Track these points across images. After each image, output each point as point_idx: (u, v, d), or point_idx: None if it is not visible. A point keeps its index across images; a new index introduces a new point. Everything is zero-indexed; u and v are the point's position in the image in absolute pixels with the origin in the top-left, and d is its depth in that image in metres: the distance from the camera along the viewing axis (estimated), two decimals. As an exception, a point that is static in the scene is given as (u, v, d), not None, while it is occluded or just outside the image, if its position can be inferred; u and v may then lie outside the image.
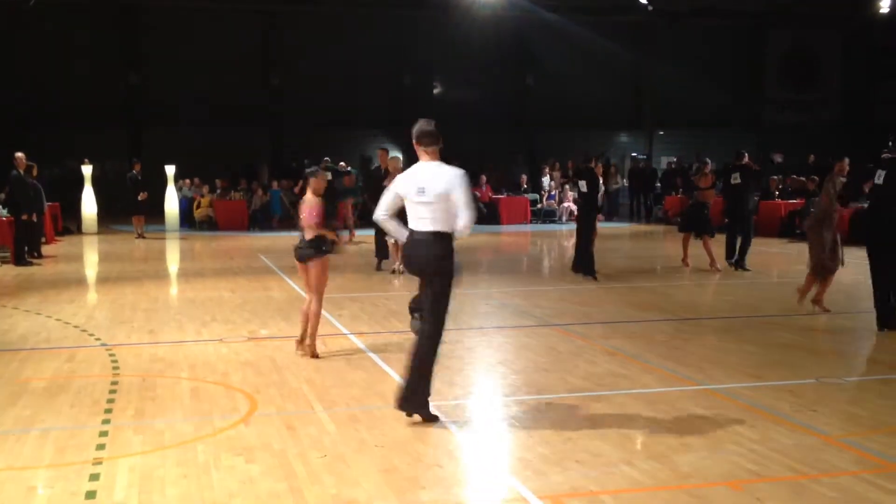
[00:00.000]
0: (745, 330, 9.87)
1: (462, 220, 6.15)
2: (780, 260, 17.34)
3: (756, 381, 7.52)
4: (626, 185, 30.32)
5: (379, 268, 14.97)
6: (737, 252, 15.01)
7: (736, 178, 15.02)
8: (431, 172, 6.20)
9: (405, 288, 13.11)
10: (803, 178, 22.91)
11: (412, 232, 6.27)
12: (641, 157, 34.71)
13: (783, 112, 37.17)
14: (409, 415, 6.31)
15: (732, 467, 5.39)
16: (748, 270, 14.74)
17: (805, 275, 11.12)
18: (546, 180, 28.16)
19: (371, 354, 8.49)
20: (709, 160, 15.98)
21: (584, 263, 14.26)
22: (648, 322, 10.35)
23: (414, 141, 6.38)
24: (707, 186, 15.37)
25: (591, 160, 14.55)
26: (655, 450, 5.70)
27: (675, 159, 31.70)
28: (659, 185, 29.62)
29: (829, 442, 5.87)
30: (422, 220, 6.19)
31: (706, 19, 34.02)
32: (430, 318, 6.34)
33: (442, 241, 6.19)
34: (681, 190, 27.30)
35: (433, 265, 6.21)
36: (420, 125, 6.37)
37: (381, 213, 6.45)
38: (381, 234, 15.07)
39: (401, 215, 6.52)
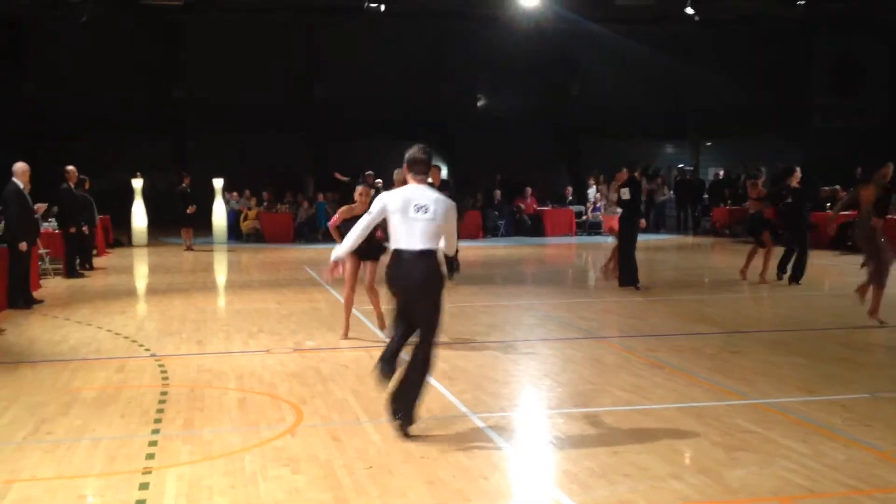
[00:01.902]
0: (795, 343, 9.71)
1: (452, 244, 6.55)
2: (831, 272, 17.05)
3: (808, 395, 7.38)
4: (672, 196, 30.05)
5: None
6: (790, 267, 14.73)
7: (787, 200, 14.80)
8: (431, 194, 6.35)
9: (451, 299, 13.12)
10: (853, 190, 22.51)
11: (402, 251, 6.25)
12: (688, 167, 34.42)
13: (830, 119, 36.59)
14: (399, 417, 6.26)
15: (783, 483, 5.29)
16: (799, 284, 14.50)
17: (863, 283, 10.92)
18: (591, 192, 28.02)
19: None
20: (762, 170, 15.75)
21: (626, 273, 14.17)
22: (696, 335, 10.23)
23: (405, 165, 6.47)
24: (757, 197, 15.17)
25: (636, 169, 14.53)
26: (704, 464, 5.62)
27: (722, 170, 31.37)
28: (706, 196, 29.32)
29: (883, 457, 5.74)
30: (414, 238, 6.22)
31: (751, 27, 33.67)
32: (428, 333, 6.32)
33: (434, 257, 6.30)
34: (729, 201, 27.01)
35: (431, 280, 6.27)
36: (413, 152, 6.44)
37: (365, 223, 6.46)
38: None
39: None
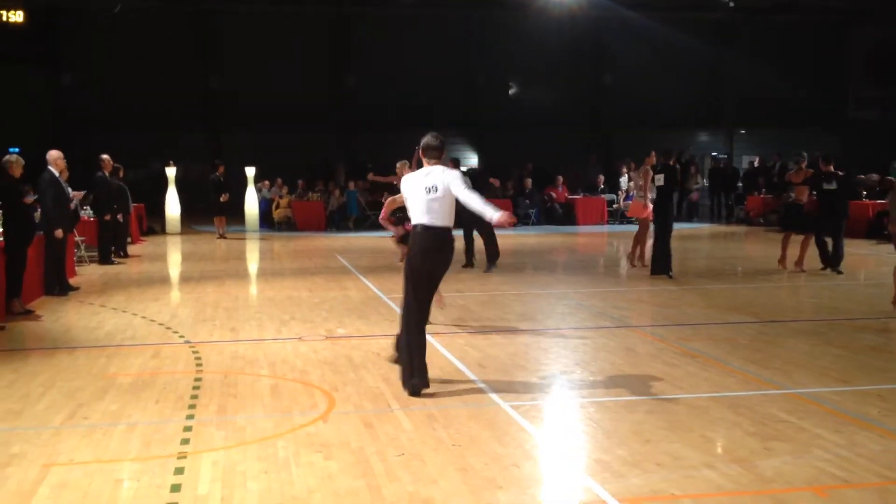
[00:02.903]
0: (831, 333, 9.61)
1: (477, 205, 7.00)
2: (867, 261, 16.84)
3: (843, 385, 7.30)
4: (706, 185, 29.79)
5: (468, 265, 15.27)
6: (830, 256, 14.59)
7: (831, 185, 14.58)
8: (440, 174, 7.06)
9: (483, 287, 13.12)
10: (892, 178, 22.24)
11: (425, 226, 7.00)
12: (722, 156, 34.10)
13: (867, 109, 36.06)
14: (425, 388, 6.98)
15: (818, 472, 5.24)
16: (841, 273, 14.34)
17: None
18: (623, 180, 27.85)
19: (446, 353, 8.49)
20: (805, 154, 15.50)
21: (659, 260, 14.10)
22: (730, 324, 10.15)
23: (420, 152, 7.25)
24: (800, 182, 14.98)
25: (671, 156, 14.48)
26: (738, 454, 5.58)
27: (756, 159, 31.04)
28: (740, 185, 29.04)
29: (921, 449, 5.67)
30: (430, 214, 6.99)
31: (787, 15, 33.25)
32: (429, 300, 7.27)
33: (448, 231, 7.12)
34: (763, 190, 26.74)
35: (446, 251, 7.12)
36: (427, 139, 7.21)
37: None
38: (469, 235, 15.20)
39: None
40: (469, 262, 15.34)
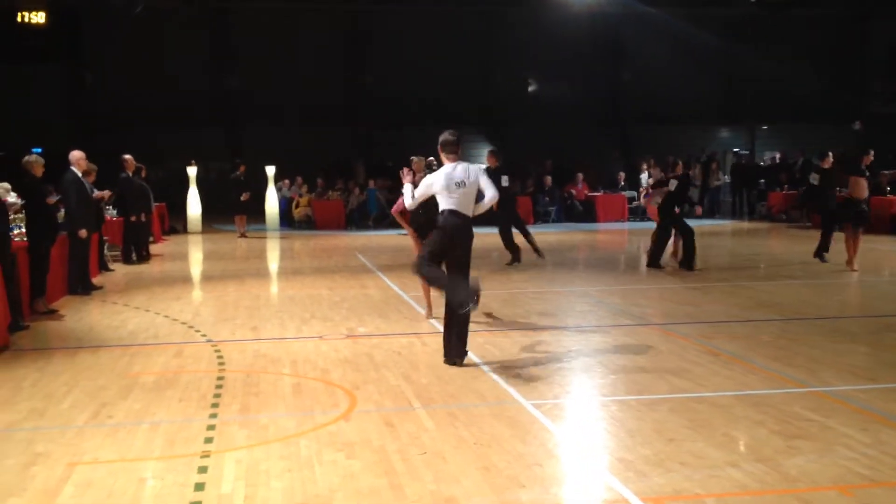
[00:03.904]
0: (856, 330, 9.53)
1: (490, 191, 8.02)
2: (891, 258, 16.69)
3: (869, 383, 7.24)
4: (728, 181, 29.61)
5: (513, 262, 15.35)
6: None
7: (815, 180, 14.86)
8: (464, 170, 7.93)
9: (503, 285, 13.09)
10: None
11: (452, 212, 7.83)
12: (744, 152, 33.85)
13: (889, 104, 35.70)
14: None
15: (843, 471, 5.20)
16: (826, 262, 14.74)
17: None
18: (644, 177, 27.71)
19: (469, 352, 8.47)
20: (830, 153, 15.45)
21: (654, 254, 14.83)
22: (753, 322, 10.08)
23: (439, 148, 8.07)
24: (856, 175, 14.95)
25: (687, 165, 15.00)
26: (762, 453, 5.54)
27: (778, 154, 30.81)
28: (762, 181, 28.83)
29: (948, 447, 5.61)
30: (458, 206, 7.84)
31: (808, 9, 32.98)
32: (465, 272, 7.94)
33: (470, 220, 7.98)
34: (786, 186, 26.55)
35: (469, 236, 7.97)
36: (445, 136, 8.06)
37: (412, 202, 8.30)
38: (507, 235, 15.15)
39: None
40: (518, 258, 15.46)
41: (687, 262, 14.48)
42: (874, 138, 32.40)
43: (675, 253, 15.26)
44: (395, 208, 9.51)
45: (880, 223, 20.65)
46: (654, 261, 14.90)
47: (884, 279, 14.22)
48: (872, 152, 14.78)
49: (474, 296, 7.67)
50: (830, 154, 15.28)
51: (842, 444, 5.67)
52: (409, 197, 8.25)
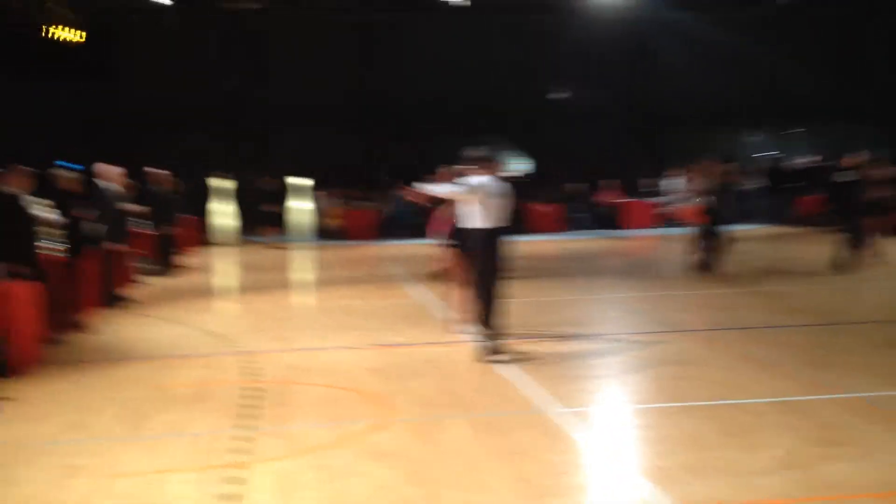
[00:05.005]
0: (889, 334, 9.39)
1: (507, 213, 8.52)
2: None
3: (906, 388, 7.14)
4: (763, 184, 29.32)
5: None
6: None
7: (844, 176, 14.71)
8: (497, 183, 8.41)
9: (535, 293, 13.05)
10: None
11: (485, 225, 8.29)
12: (776, 155, 33.51)
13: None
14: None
15: (884, 477, 5.12)
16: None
17: None
18: (673, 182, 27.51)
19: (503, 358, 8.44)
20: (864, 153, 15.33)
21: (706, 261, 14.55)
22: (786, 327, 9.98)
23: (470, 162, 8.56)
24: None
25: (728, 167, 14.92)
26: (800, 459, 5.48)
27: (811, 158, 30.48)
28: (798, 184, 28.49)
29: None
30: (489, 217, 8.30)
31: (838, 10, 32.66)
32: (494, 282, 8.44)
33: (500, 231, 8.42)
34: (819, 189, 26.25)
35: (499, 245, 8.40)
36: (476, 151, 8.57)
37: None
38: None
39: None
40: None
41: (709, 265, 14.31)
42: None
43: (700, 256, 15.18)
44: (420, 194, 9.54)
45: None
46: (707, 266, 14.50)
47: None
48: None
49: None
50: (861, 154, 15.04)
51: (882, 449, 5.60)
52: (440, 189, 8.79)
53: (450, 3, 26.73)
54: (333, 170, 29.12)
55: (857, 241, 14.55)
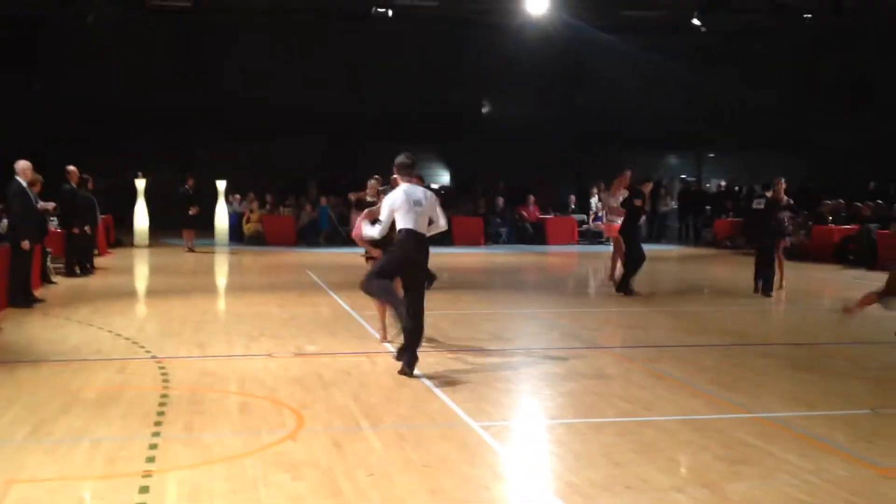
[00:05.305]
0: (797, 356, 9.70)
1: (442, 220, 8.61)
2: (833, 286, 17.04)
3: (809, 409, 7.37)
4: (675, 206, 30.04)
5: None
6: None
7: (759, 204, 15.13)
8: (421, 191, 8.45)
9: (454, 306, 13.10)
10: (859, 204, 22.62)
11: (410, 231, 8.22)
12: (691, 178, 34.40)
13: (836, 134, 36.47)
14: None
15: (785, 498, 5.27)
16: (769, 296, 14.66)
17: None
18: (594, 201, 28.00)
19: (416, 372, 8.45)
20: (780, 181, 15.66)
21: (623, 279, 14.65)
22: (698, 346, 10.21)
23: (396, 169, 8.58)
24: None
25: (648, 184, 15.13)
26: (706, 477, 5.60)
27: (724, 182, 31.40)
28: (708, 207, 29.31)
29: (885, 474, 5.72)
30: (416, 224, 8.26)
31: (759, 39, 33.67)
32: (422, 290, 8.47)
33: (426, 238, 8.42)
34: (731, 213, 27.01)
35: (425, 254, 8.44)
36: (402, 159, 8.50)
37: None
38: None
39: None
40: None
41: (627, 283, 14.49)
42: (820, 168, 33.21)
43: (611, 276, 15.41)
44: (355, 232, 9.59)
45: (822, 252, 21.12)
46: (624, 284, 14.53)
47: (823, 307, 14.51)
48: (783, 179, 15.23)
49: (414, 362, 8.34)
50: (778, 182, 15.35)
51: (783, 469, 5.76)
52: (375, 230, 8.59)
53: (375, 14, 26.70)
54: (260, 175, 28.83)
55: (768, 264, 14.97)
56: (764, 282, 14.70)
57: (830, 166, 32.95)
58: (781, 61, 35.71)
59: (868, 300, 10.18)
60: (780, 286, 15.20)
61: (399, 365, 8.42)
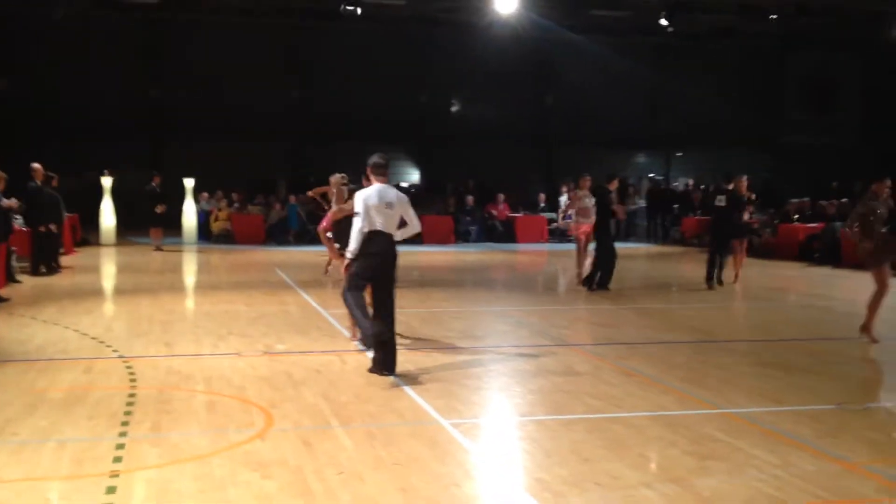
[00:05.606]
0: (764, 353, 9.80)
1: (416, 221, 8.60)
2: (798, 284, 17.24)
3: (776, 405, 7.44)
4: (643, 205, 30.23)
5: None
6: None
7: (721, 201, 15.33)
8: (393, 192, 8.37)
9: (423, 304, 13.09)
10: (824, 203, 22.89)
11: (379, 232, 8.15)
12: (659, 177, 34.66)
13: (801, 134, 36.95)
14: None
15: (753, 492, 5.32)
16: (721, 285, 15.24)
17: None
18: (563, 199, 28.07)
19: (388, 370, 8.42)
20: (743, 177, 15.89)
21: (598, 276, 14.71)
22: (667, 343, 10.28)
23: (369, 169, 8.40)
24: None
25: (613, 180, 15.11)
26: (675, 473, 5.64)
27: (691, 180, 31.66)
28: (676, 206, 29.53)
29: (851, 469, 5.79)
30: (386, 224, 8.22)
31: (725, 40, 33.99)
32: (392, 290, 8.38)
33: (393, 239, 8.36)
34: (699, 211, 27.22)
35: (394, 254, 8.39)
36: (376, 159, 8.38)
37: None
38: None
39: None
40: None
41: (603, 281, 14.58)
42: (784, 166, 33.60)
43: (579, 274, 15.48)
44: (321, 227, 9.54)
45: (788, 250, 21.35)
46: (592, 282, 14.68)
47: (791, 304, 14.68)
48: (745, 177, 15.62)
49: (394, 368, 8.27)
50: (740, 179, 15.64)
51: (751, 465, 5.81)
52: (356, 233, 8.19)
53: (344, 13, 26.60)
54: (229, 174, 28.66)
55: (722, 260, 15.26)
56: (708, 274, 15.25)
57: (796, 165, 33.35)
58: (747, 61, 36.09)
59: (873, 306, 10.07)
60: (735, 280, 15.51)
61: (369, 363, 8.40)
